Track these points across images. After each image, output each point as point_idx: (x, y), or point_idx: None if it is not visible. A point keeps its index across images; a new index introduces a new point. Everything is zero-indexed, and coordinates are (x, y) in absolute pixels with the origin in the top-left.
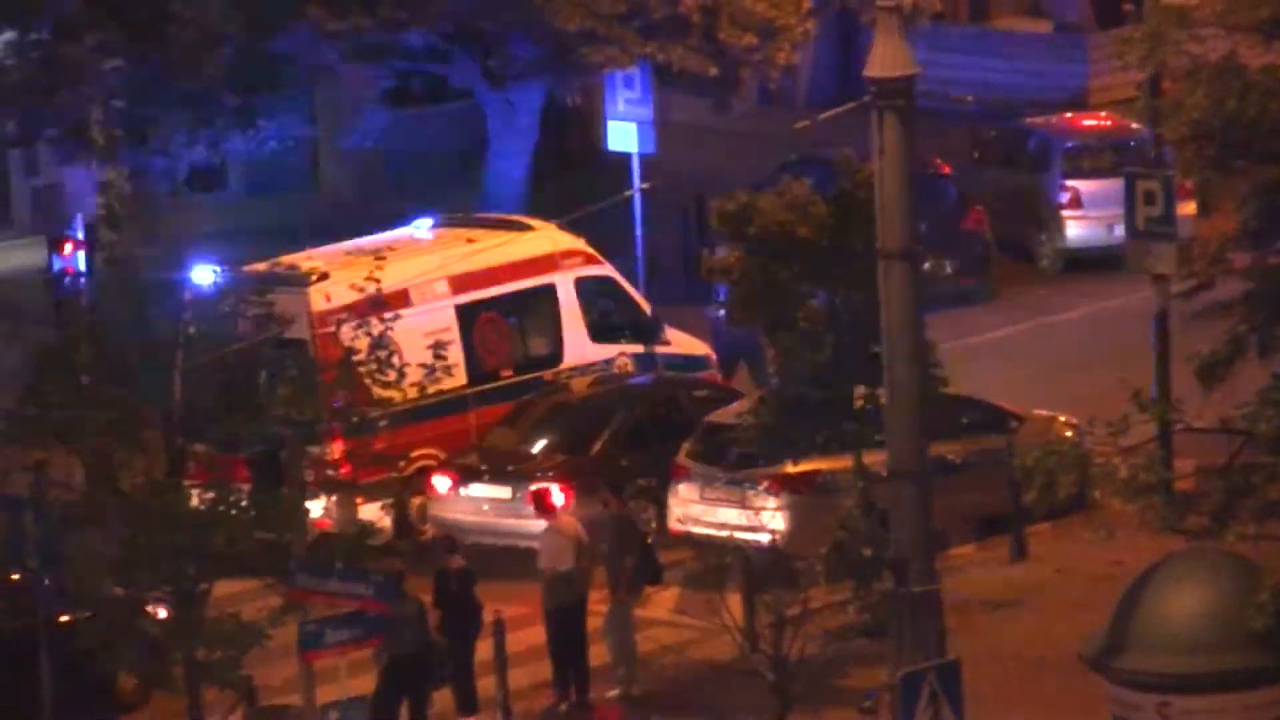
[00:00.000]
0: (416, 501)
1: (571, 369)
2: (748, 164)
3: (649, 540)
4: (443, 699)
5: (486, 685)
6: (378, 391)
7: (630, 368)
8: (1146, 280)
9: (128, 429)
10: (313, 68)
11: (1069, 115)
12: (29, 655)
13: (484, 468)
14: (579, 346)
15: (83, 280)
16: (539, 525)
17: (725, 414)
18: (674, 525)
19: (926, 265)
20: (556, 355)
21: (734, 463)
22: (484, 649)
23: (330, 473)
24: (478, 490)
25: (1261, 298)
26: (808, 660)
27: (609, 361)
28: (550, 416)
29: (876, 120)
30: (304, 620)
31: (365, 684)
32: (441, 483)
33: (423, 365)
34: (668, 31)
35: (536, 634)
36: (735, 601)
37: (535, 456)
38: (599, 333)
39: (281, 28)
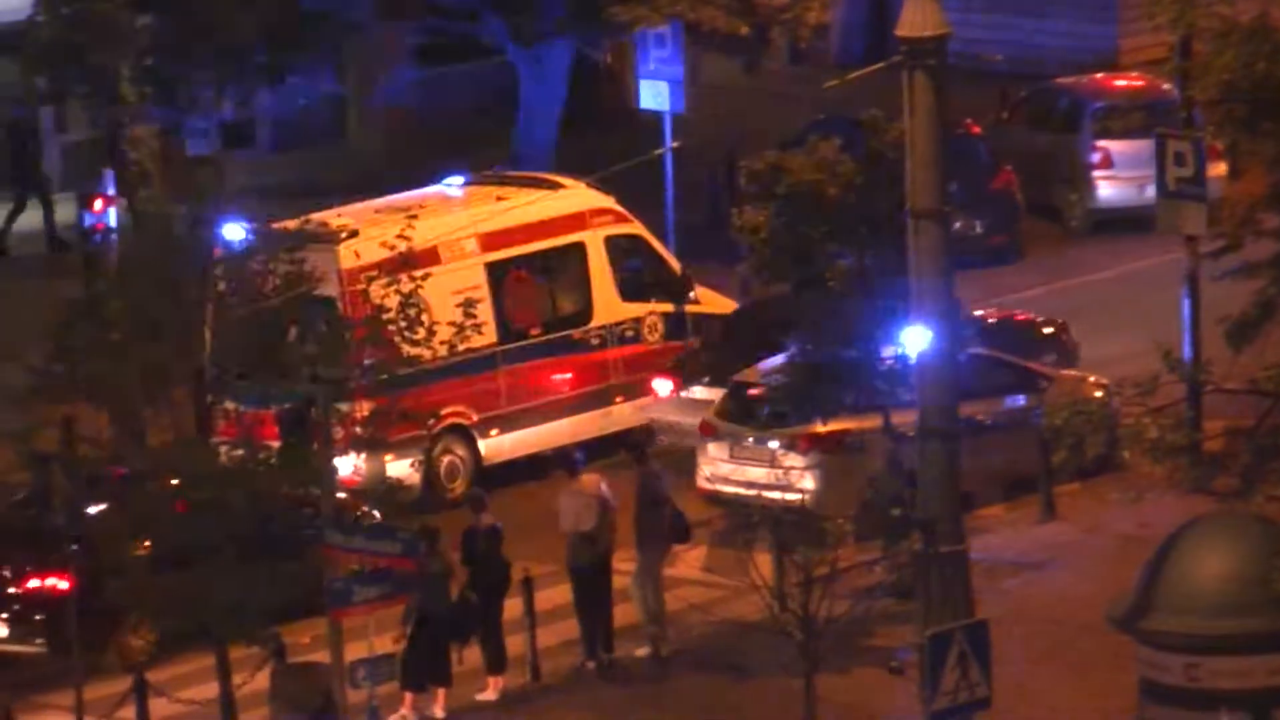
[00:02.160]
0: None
1: (601, 327)
2: (778, 123)
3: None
4: (471, 658)
5: (515, 644)
6: (407, 349)
7: (660, 326)
8: (1176, 241)
9: (156, 385)
10: (343, 25)
11: (1099, 75)
12: None
13: (706, 371)
14: (609, 304)
15: (113, 236)
16: None
17: (754, 372)
18: (702, 484)
19: (956, 225)
20: (586, 313)
21: (763, 422)
22: (513, 607)
23: (359, 430)
24: (700, 393)
25: None
26: (835, 620)
27: (638, 320)
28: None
29: (907, 80)
30: (332, 577)
31: (393, 641)
32: (663, 385)
33: (452, 323)
34: None
35: (565, 592)
36: (764, 560)
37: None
38: (629, 291)
39: None
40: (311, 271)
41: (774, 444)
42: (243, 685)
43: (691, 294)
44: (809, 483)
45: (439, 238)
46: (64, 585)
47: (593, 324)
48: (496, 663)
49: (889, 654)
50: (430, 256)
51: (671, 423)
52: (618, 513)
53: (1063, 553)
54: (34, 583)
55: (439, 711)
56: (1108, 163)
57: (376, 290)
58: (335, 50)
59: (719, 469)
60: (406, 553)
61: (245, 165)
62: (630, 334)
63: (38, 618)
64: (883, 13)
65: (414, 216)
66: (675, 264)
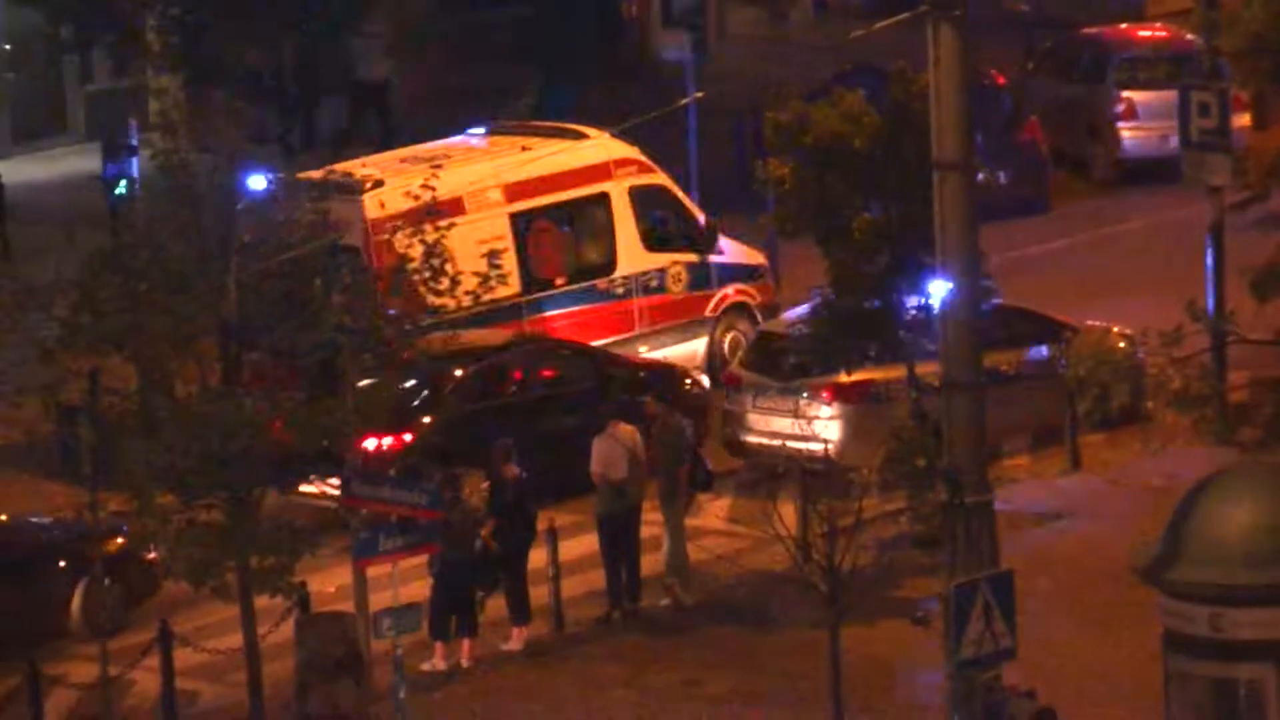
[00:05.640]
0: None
1: (625, 278)
2: (803, 74)
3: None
4: (496, 609)
5: (540, 594)
6: (431, 299)
7: (684, 276)
8: (1201, 192)
9: (182, 336)
10: None
11: (1125, 26)
12: None
13: None
14: (632, 255)
15: (137, 186)
16: None
17: (779, 323)
18: (727, 435)
19: (981, 176)
20: (610, 264)
21: (788, 373)
22: (537, 557)
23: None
24: None
25: None
26: (860, 570)
27: (663, 270)
28: None
29: (931, 31)
30: (358, 528)
31: (418, 591)
32: None
33: (476, 273)
34: None
35: (589, 543)
36: (788, 511)
37: None
38: (653, 241)
39: None
40: (336, 221)
41: (798, 394)
42: (268, 635)
43: (716, 244)
44: (833, 433)
45: (463, 188)
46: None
47: (617, 274)
48: (520, 613)
49: (914, 605)
50: (455, 207)
51: None
52: (645, 465)
53: (1087, 503)
54: (370, 441)
55: (464, 661)
56: (1132, 113)
57: (401, 240)
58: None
59: (744, 419)
60: (432, 503)
61: (271, 115)
62: (654, 284)
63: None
64: None
65: (438, 166)
66: (699, 214)
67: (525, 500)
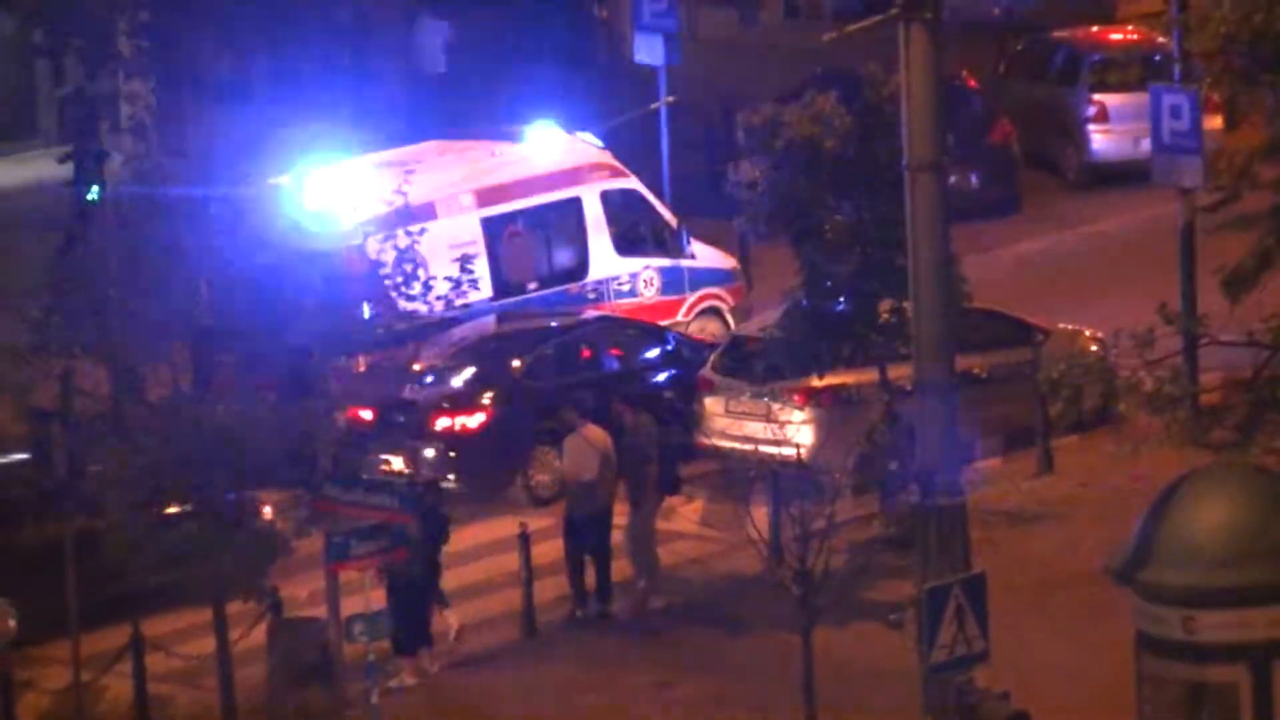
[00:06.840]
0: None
1: (597, 282)
2: (774, 77)
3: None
4: (475, 613)
5: (512, 598)
6: (403, 304)
7: (656, 281)
8: (1173, 194)
9: (155, 341)
10: None
11: (1096, 28)
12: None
13: None
14: (605, 259)
15: (109, 192)
16: None
17: (750, 327)
18: (699, 438)
19: (952, 178)
20: (582, 268)
21: (759, 376)
22: (510, 561)
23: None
24: None
25: None
26: (833, 574)
27: (634, 275)
28: None
29: (903, 33)
30: (331, 532)
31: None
32: None
33: (449, 278)
34: None
35: (559, 547)
36: (760, 514)
37: None
38: (625, 245)
39: None
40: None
41: (770, 398)
42: (240, 640)
43: (688, 249)
44: (805, 437)
45: (435, 193)
46: (473, 424)
47: (589, 279)
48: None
49: (887, 608)
50: (426, 211)
51: None
52: (616, 467)
53: (1060, 505)
54: (444, 421)
55: (434, 668)
56: (1103, 116)
57: (373, 245)
58: (334, 5)
59: (715, 423)
60: (404, 507)
61: (243, 120)
62: (626, 288)
63: (450, 454)
64: None
65: (410, 171)
66: (671, 218)
67: (437, 502)
